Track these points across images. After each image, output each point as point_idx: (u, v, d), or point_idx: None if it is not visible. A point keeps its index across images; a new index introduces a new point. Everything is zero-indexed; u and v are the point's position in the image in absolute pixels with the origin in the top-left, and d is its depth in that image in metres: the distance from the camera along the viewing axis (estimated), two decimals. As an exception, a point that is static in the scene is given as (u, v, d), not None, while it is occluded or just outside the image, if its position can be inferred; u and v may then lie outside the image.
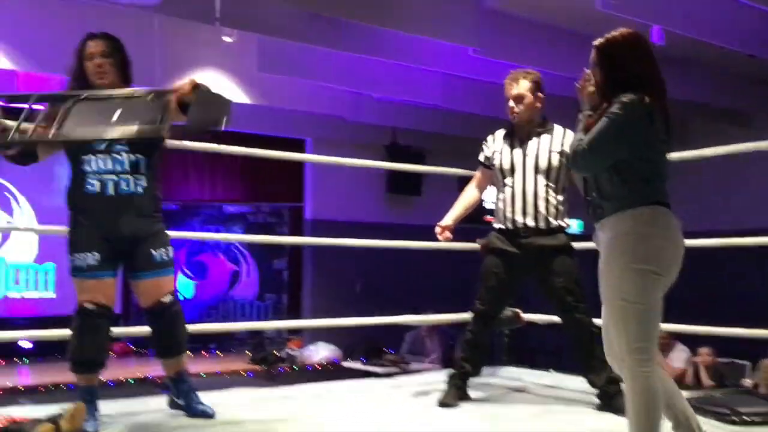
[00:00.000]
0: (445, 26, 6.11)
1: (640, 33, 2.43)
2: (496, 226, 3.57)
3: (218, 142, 3.83)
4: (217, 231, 9.84)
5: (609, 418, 3.16)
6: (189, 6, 5.56)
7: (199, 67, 7.10)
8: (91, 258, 2.80)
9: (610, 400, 3.26)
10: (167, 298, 2.94)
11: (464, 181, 3.95)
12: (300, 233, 9.51)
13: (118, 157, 2.83)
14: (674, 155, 4.02)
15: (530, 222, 3.43)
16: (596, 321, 3.38)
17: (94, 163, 2.82)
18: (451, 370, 3.64)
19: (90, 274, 2.80)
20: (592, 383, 3.38)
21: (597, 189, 2.43)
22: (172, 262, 2.98)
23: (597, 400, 3.36)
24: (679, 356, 6.80)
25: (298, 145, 9.28)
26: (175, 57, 6.87)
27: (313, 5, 5.61)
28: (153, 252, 2.89)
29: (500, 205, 3.53)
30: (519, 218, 3.46)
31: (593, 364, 3.27)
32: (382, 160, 9.14)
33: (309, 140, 9.31)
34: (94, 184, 2.82)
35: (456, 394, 3.50)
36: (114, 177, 2.82)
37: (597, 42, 2.43)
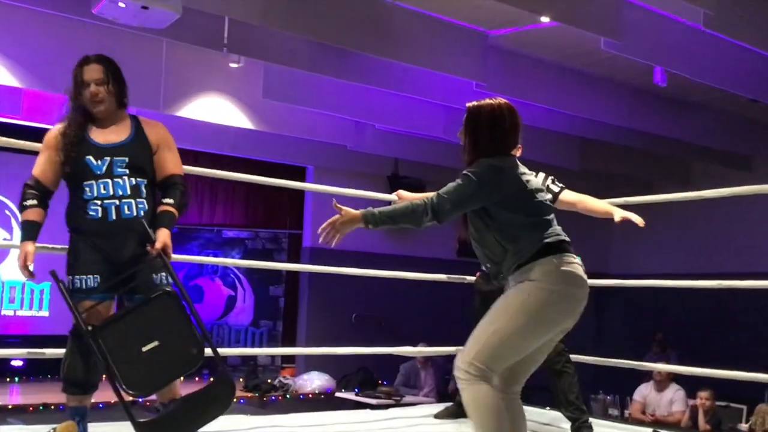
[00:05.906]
0: (450, 60, 6.16)
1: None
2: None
3: (219, 168, 3.83)
4: (215, 255, 9.81)
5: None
6: (197, 31, 5.60)
7: (204, 92, 7.14)
8: (92, 280, 2.79)
9: None
10: None
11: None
12: (298, 260, 9.47)
13: (119, 181, 2.81)
14: (671, 196, 4.05)
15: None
16: (574, 357, 3.45)
17: (96, 188, 2.80)
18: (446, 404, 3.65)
19: (88, 297, 2.78)
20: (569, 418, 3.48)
21: (488, 258, 2.45)
22: (170, 285, 2.95)
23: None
24: (679, 396, 6.73)
25: (299, 172, 9.30)
26: (182, 80, 6.91)
27: (319, 35, 5.66)
28: (153, 275, 2.87)
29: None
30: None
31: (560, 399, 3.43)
32: (384, 190, 9.16)
33: (310, 168, 9.32)
34: (97, 210, 2.79)
35: (455, 410, 3.59)
36: (116, 201, 2.80)
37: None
